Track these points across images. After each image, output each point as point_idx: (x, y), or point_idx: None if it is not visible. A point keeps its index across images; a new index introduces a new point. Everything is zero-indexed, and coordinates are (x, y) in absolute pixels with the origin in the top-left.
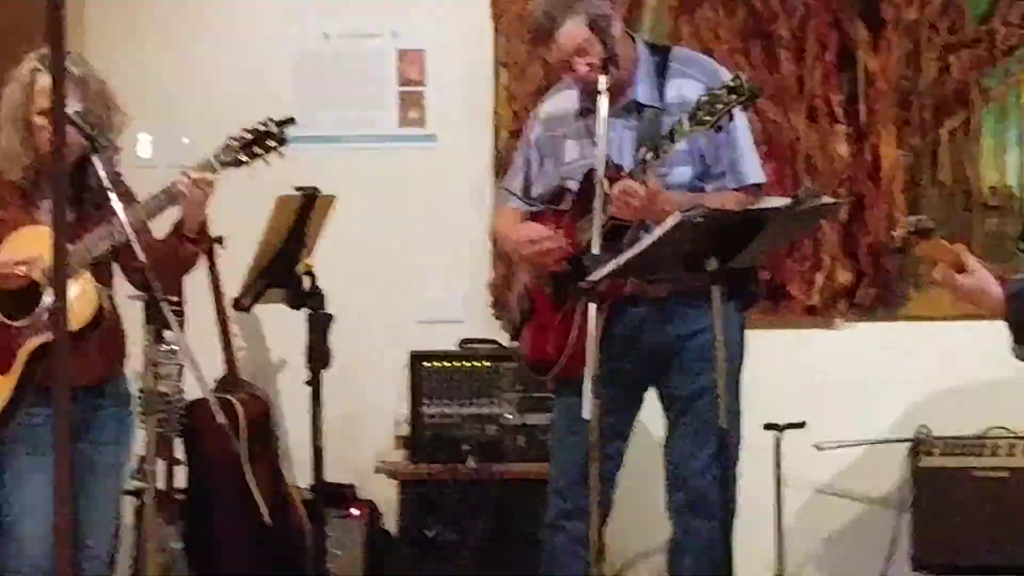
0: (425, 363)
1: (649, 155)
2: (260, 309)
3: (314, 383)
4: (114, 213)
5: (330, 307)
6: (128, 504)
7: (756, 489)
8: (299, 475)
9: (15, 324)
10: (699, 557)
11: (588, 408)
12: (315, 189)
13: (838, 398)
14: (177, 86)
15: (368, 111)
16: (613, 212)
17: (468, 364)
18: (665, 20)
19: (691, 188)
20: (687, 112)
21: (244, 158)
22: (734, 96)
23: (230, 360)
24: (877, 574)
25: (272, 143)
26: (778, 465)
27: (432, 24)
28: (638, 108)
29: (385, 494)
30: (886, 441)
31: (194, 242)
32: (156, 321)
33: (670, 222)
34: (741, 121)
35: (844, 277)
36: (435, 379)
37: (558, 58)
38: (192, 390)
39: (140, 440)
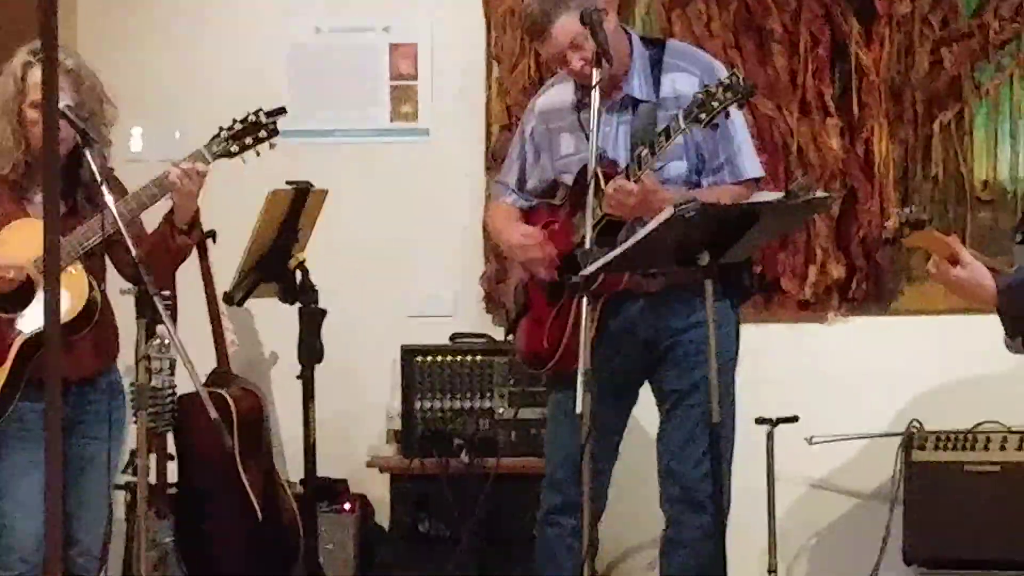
0: (417, 357)
1: (645, 152)
2: (252, 303)
3: (306, 378)
4: (105, 206)
5: (322, 301)
6: (120, 498)
7: (749, 483)
8: (291, 470)
9: (5, 316)
10: (692, 551)
11: (580, 403)
12: (307, 183)
13: (831, 392)
14: (168, 80)
15: (360, 105)
16: (608, 210)
17: (460, 358)
18: (657, 14)
19: (687, 182)
20: (683, 109)
21: (235, 149)
22: (730, 94)
23: (222, 354)
24: (869, 568)
25: (263, 134)
26: (771, 459)
27: (424, 18)
28: (633, 103)
29: (377, 489)
30: (878, 435)
31: (186, 233)
32: (148, 315)
33: (662, 216)
34: (738, 116)
35: (836, 271)
36: (427, 374)
37: (552, 53)
38: (184, 384)
39: (132, 434)
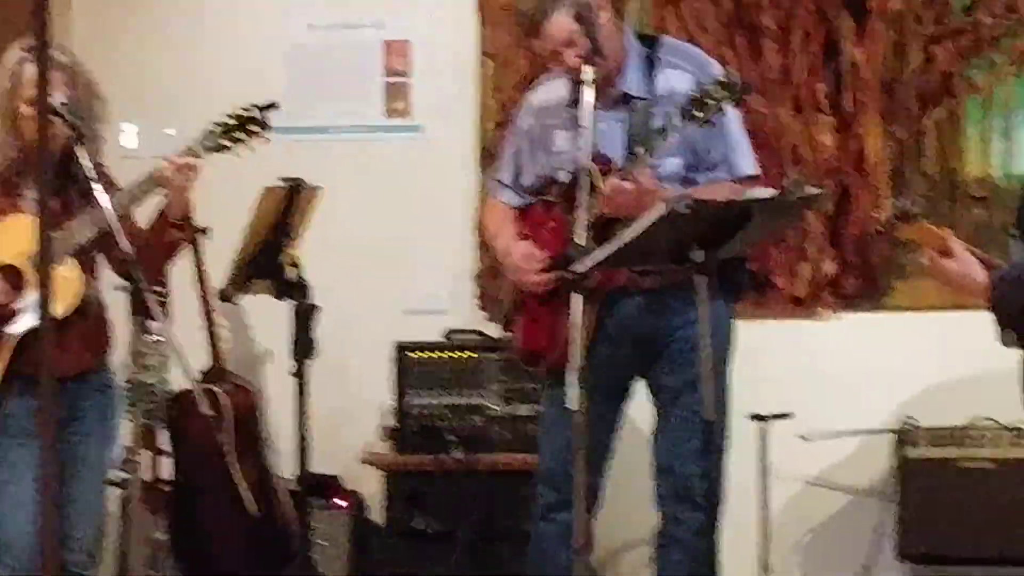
0: (411, 354)
1: (641, 151)
2: (246, 300)
3: (299, 374)
4: (98, 203)
5: (316, 298)
6: (113, 495)
7: (742, 480)
8: (284, 466)
9: None
10: (686, 547)
11: (573, 399)
12: (301, 180)
13: (824, 389)
14: (163, 77)
15: (354, 102)
16: (605, 209)
17: (454, 355)
18: (650, 11)
19: (682, 179)
20: (679, 108)
21: (227, 143)
22: (726, 92)
23: (216, 351)
24: (862, 564)
25: (255, 128)
26: (764, 456)
27: (417, 15)
28: (628, 99)
29: (371, 485)
30: (872, 432)
31: (178, 228)
32: (141, 312)
33: (656, 212)
34: (733, 114)
35: (829, 267)
36: (421, 370)
37: (546, 50)
38: (178, 381)
39: (126, 431)
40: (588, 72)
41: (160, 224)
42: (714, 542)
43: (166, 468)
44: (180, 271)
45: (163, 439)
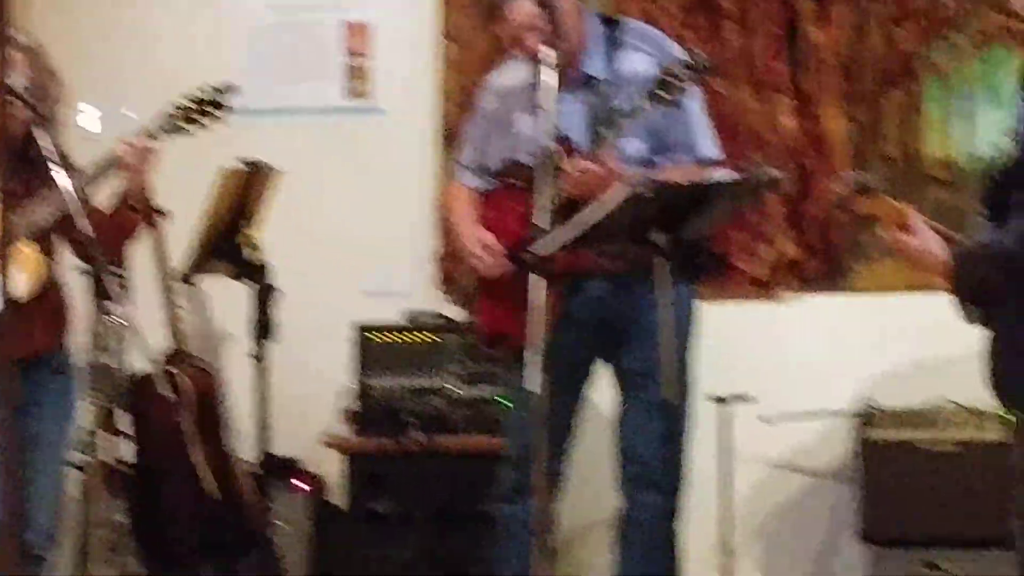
0: (371, 335)
1: (606, 132)
2: (205, 282)
3: (259, 356)
4: (58, 185)
5: (276, 280)
6: (73, 477)
7: (703, 462)
8: (245, 448)
9: None
10: (647, 530)
11: (534, 381)
12: (261, 162)
13: (785, 371)
14: (122, 59)
15: (314, 83)
16: (570, 189)
17: (414, 336)
18: None
19: (644, 162)
20: (644, 89)
21: (186, 125)
22: (690, 72)
23: (176, 333)
24: (824, 547)
25: (213, 110)
26: (725, 438)
27: None
28: (590, 82)
29: (331, 467)
30: (833, 414)
31: (136, 210)
32: (101, 293)
33: (617, 195)
34: (695, 96)
35: (790, 250)
36: (381, 351)
37: (508, 34)
38: (138, 363)
39: (85, 413)
40: (549, 54)
41: (119, 207)
42: (676, 525)
43: (126, 450)
44: (140, 253)
45: (123, 422)
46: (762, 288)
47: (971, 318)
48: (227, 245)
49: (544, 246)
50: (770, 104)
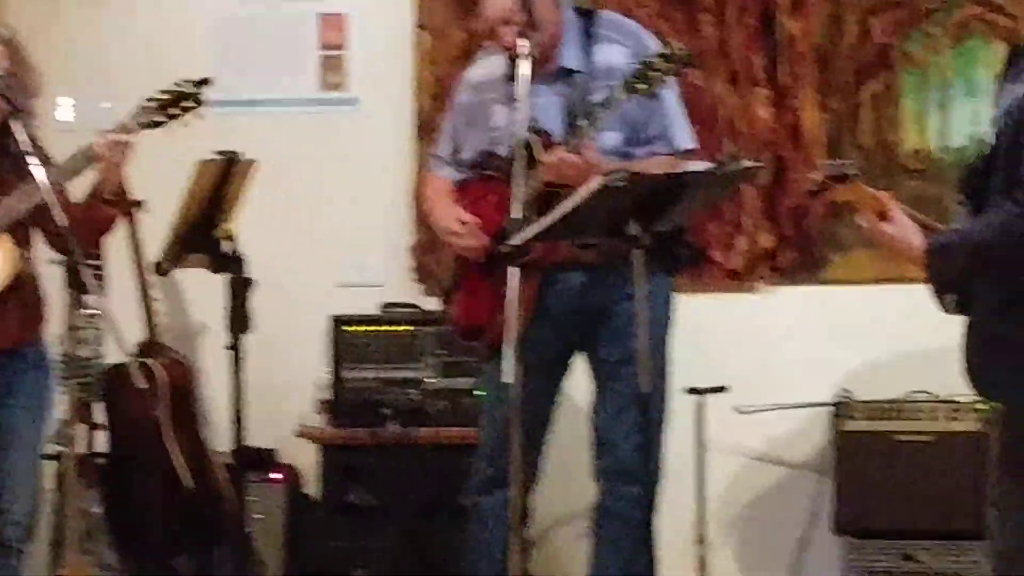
0: (346, 327)
1: (584, 123)
2: (181, 273)
3: (235, 348)
4: (33, 177)
5: (251, 271)
6: (48, 469)
7: (678, 453)
8: (220, 440)
9: None
10: (623, 521)
11: (509, 373)
12: (236, 153)
13: (760, 362)
14: (98, 50)
15: (289, 75)
16: (547, 179)
17: (389, 328)
18: None
19: (620, 153)
20: (621, 80)
21: (161, 119)
22: (668, 64)
23: (151, 324)
24: (799, 538)
25: (189, 104)
26: (700, 430)
27: None
28: (565, 74)
29: (306, 458)
30: (808, 405)
31: (112, 204)
32: (76, 285)
33: (592, 185)
34: (671, 87)
35: (765, 241)
36: (356, 343)
37: (484, 28)
38: (113, 354)
39: (61, 405)
40: (524, 45)
41: (93, 201)
42: (651, 516)
43: (101, 442)
44: (115, 244)
45: (98, 412)
46: (738, 280)
47: (947, 308)
48: (202, 237)
49: (520, 238)
50: (746, 95)
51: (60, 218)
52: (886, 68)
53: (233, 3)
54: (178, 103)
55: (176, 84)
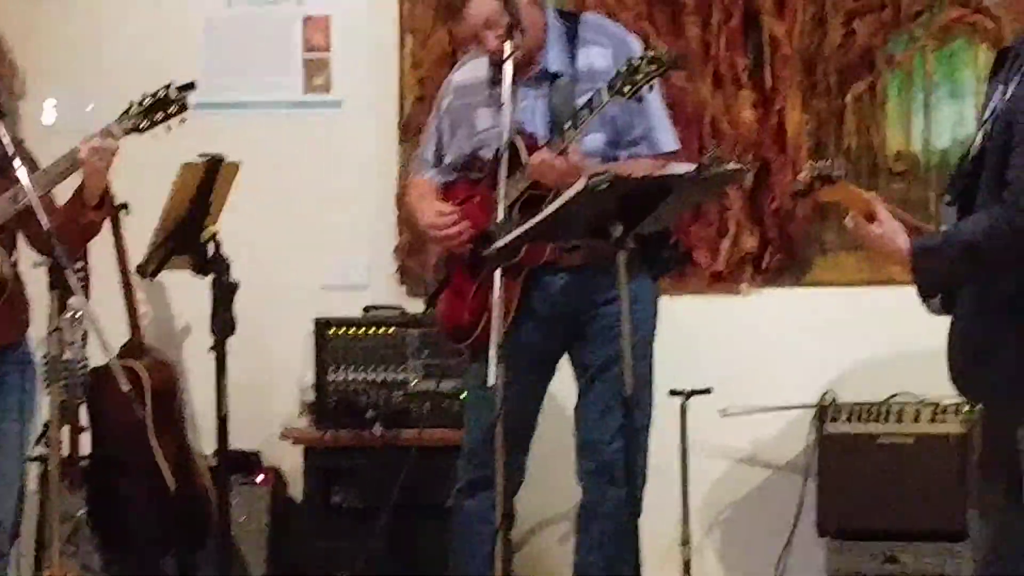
0: (330, 329)
1: (568, 125)
2: (165, 276)
3: (219, 350)
4: (17, 179)
5: (235, 273)
6: (32, 471)
7: (662, 455)
8: (204, 442)
9: None
10: (608, 523)
11: (493, 375)
12: (220, 156)
13: (744, 364)
14: (82, 52)
15: (273, 77)
16: (532, 181)
17: (373, 331)
18: None
19: (604, 155)
20: (607, 82)
21: (144, 125)
22: (654, 67)
23: (135, 327)
24: (783, 540)
25: (173, 109)
26: (684, 431)
27: None
28: (549, 76)
29: (290, 461)
30: (791, 407)
31: (96, 209)
32: (60, 287)
33: (576, 188)
34: (654, 89)
35: (750, 243)
36: (340, 346)
37: (466, 33)
38: (97, 357)
39: (44, 407)
40: (507, 48)
41: (77, 206)
42: (636, 518)
43: (85, 444)
44: (99, 246)
45: (82, 415)
46: (722, 281)
47: (933, 309)
48: (187, 239)
49: (504, 240)
50: (730, 97)
51: (46, 222)
52: (870, 70)
53: (218, 6)
54: (162, 109)
55: (161, 89)
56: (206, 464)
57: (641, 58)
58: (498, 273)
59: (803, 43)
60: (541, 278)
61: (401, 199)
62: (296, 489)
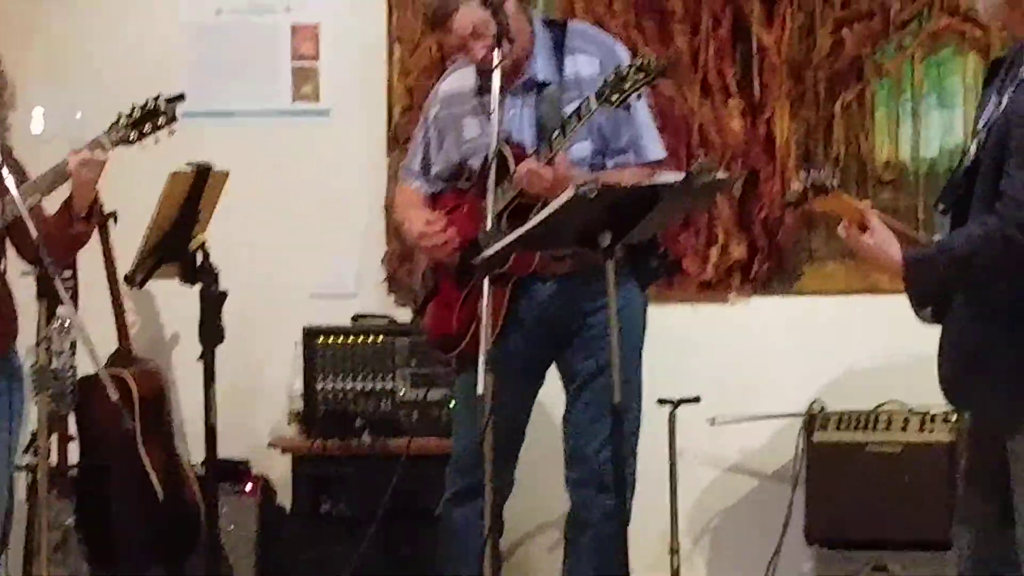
0: (319, 338)
1: (556, 134)
2: (153, 284)
3: (207, 359)
4: (7, 190)
5: (223, 282)
6: (20, 480)
7: (651, 464)
8: (192, 451)
9: None
10: (597, 532)
11: (482, 384)
12: (208, 164)
13: (732, 373)
14: (70, 61)
15: (261, 86)
16: (519, 190)
17: (362, 339)
18: None
19: (591, 164)
20: (595, 91)
21: (133, 136)
22: (642, 75)
23: (123, 336)
24: (771, 548)
25: (162, 121)
26: (673, 440)
27: None
28: (537, 85)
29: (279, 470)
30: (780, 416)
31: (84, 220)
32: (49, 296)
33: (564, 197)
34: (642, 98)
35: (738, 252)
36: (329, 354)
37: (453, 43)
38: (85, 366)
39: (32, 416)
40: (495, 56)
41: (65, 217)
42: (625, 526)
43: (73, 453)
44: (87, 255)
45: (70, 424)
46: (710, 290)
47: (925, 318)
48: (175, 248)
49: (493, 249)
50: (719, 107)
51: (35, 232)
52: (858, 79)
53: (206, 14)
54: (151, 120)
55: (150, 100)
56: (194, 473)
57: (629, 66)
58: (486, 282)
59: (792, 52)
60: (529, 287)
61: (389, 208)
62: (285, 498)
